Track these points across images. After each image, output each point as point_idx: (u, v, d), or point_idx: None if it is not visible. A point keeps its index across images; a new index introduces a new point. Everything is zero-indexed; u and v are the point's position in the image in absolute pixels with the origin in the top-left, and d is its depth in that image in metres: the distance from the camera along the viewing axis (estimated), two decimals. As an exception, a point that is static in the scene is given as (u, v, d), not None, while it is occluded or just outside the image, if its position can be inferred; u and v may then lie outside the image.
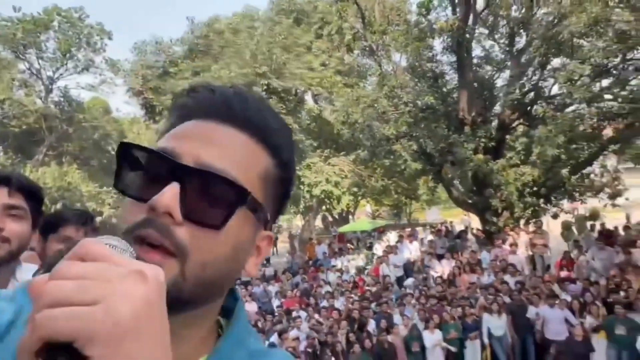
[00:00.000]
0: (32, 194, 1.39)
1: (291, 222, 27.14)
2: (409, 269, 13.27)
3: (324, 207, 20.82)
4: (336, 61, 17.76)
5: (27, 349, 0.35)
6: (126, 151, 0.55)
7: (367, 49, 16.13)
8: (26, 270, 1.48)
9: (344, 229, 23.82)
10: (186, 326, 0.55)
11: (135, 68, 17.50)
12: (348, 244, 17.94)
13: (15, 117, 22.52)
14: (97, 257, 0.38)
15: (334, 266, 15.03)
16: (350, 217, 26.34)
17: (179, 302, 0.50)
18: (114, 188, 0.55)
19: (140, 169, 0.54)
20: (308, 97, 19.30)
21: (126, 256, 0.42)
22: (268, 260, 20.62)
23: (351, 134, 14.74)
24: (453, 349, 8.81)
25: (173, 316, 0.44)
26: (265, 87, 15.19)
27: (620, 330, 7.84)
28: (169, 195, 0.50)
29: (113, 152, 30.69)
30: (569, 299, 8.84)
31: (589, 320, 8.23)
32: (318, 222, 25.98)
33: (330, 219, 26.66)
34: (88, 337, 0.34)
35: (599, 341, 7.97)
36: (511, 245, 12.17)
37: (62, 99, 23.22)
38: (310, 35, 17.77)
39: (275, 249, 26.07)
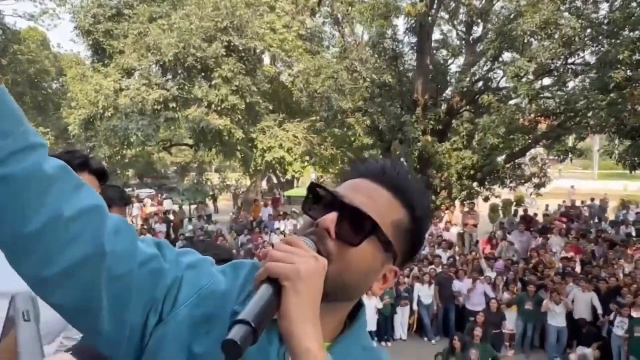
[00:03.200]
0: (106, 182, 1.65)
1: (240, 181, 27.02)
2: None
3: (270, 170, 20.94)
4: (298, 24, 17.46)
5: (258, 278, 0.68)
6: (313, 188, 0.83)
7: (332, 17, 16.07)
8: None
9: (290, 193, 24.19)
10: (321, 314, 0.71)
11: (86, 5, 16.20)
12: (293, 208, 18.32)
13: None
14: (296, 244, 0.71)
15: (277, 229, 15.39)
16: (295, 181, 26.71)
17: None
18: (302, 210, 0.83)
19: (319, 200, 0.80)
20: (265, 58, 18.95)
21: (311, 248, 0.73)
22: (210, 217, 20.58)
23: (309, 103, 14.89)
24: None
25: None
26: (225, 43, 14.67)
27: (528, 306, 9.00)
28: (329, 218, 0.75)
29: (50, 90, 28.53)
30: (493, 275, 9.84)
31: (505, 296, 9.31)
32: (263, 184, 26.14)
33: (275, 181, 26.90)
34: (285, 277, 0.66)
35: (511, 314, 9.11)
36: (447, 222, 13.17)
37: (-5, 26, 21.03)
38: (274, -6, 17.27)
39: (215, 206, 25.93)
